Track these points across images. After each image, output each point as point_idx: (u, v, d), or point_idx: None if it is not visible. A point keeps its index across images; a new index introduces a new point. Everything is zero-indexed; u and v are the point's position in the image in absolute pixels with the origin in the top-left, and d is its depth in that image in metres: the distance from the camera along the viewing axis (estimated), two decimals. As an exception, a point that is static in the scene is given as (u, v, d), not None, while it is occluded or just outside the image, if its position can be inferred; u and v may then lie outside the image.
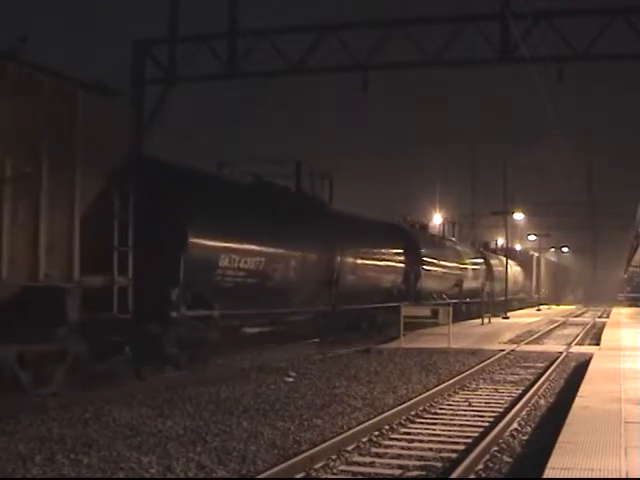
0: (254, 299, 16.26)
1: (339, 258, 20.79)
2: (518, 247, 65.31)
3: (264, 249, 16.71)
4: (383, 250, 25.13)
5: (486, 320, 32.20)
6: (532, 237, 64.61)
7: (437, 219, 50.32)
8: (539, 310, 51.02)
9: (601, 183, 77.31)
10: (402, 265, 26.30)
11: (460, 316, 31.44)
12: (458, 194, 61.60)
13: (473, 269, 37.96)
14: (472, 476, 7.64)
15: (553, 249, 78.47)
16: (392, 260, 25.74)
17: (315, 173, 21.35)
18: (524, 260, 58.37)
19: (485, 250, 46.61)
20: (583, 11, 21.53)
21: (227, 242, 15.36)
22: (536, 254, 64.67)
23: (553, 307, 59.98)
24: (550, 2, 22.62)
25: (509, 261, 47.62)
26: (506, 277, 43.17)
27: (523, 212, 52.13)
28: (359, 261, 22.49)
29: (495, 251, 50.50)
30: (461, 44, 21.71)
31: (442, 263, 31.87)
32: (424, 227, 33.76)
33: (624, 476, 6.30)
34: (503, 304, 40.98)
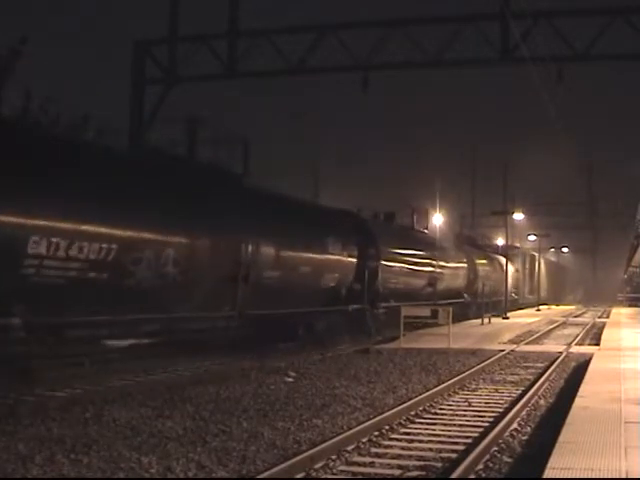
0: (108, 301, 12.26)
1: (250, 247, 16.36)
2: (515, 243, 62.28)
3: (115, 231, 12.12)
4: (327, 241, 20.30)
5: (486, 320, 32.18)
6: (532, 237, 64.53)
7: (437, 219, 50.28)
8: (539, 310, 50.99)
9: (601, 183, 77.36)
10: (354, 260, 22.07)
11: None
12: (458, 194, 61.60)
13: (452, 267, 34.03)
14: (472, 476, 7.64)
15: (553, 249, 78.42)
16: (339, 254, 21.05)
17: (224, 138, 17.46)
18: (516, 257, 53.71)
19: (471, 246, 42.74)
20: (583, 11, 21.58)
21: (43, 219, 10.89)
22: (531, 251, 61.90)
23: (553, 307, 59.96)
24: (550, 2, 22.67)
25: (498, 258, 45.32)
26: (506, 277, 43.08)
27: (523, 212, 52.03)
28: (285, 253, 18.03)
29: (483, 247, 46.78)
30: (461, 44, 21.77)
31: (410, 259, 27.69)
32: (390, 217, 29.16)
33: (624, 476, 6.30)
34: (491, 306, 36.77)
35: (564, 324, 35.02)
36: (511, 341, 23.20)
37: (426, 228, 34.22)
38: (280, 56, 22.77)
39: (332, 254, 20.65)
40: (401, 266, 26.46)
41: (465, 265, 36.58)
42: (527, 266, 57.75)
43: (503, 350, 19.61)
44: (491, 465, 8.01)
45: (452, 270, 33.90)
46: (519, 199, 49.22)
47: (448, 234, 43.21)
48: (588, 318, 42.54)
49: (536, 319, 37.33)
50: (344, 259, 21.46)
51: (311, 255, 19.49)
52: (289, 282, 18.04)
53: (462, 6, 34.03)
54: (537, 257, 63.27)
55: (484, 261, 41.01)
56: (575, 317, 44.48)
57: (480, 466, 7.93)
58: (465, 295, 35.03)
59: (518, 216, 50.32)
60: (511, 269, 47.50)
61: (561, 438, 7.70)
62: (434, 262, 30.38)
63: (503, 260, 45.51)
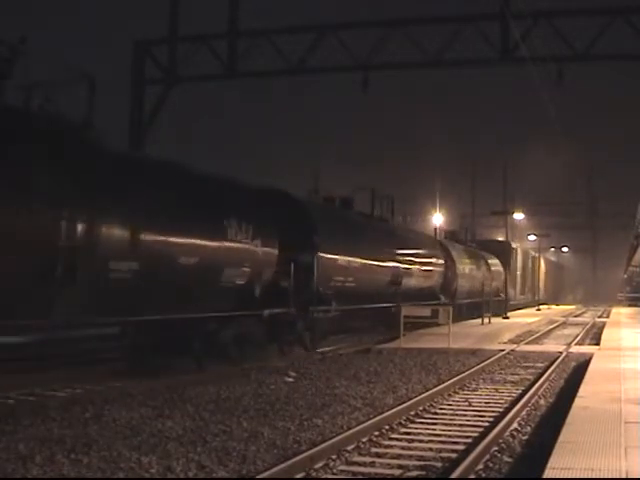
0: None
1: (81, 226, 11.28)
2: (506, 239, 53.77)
3: None
4: (228, 225, 15.20)
5: (486, 320, 32.19)
6: (532, 237, 64.59)
7: (437, 219, 50.37)
8: (539, 310, 51.01)
9: (601, 183, 77.43)
10: (273, 252, 17.05)
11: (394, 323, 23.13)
12: (458, 194, 61.69)
13: (423, 263, 29.33)
14: (472, 476, 7.64)
15: (553, 249, 78.47)
16: (248, 243, 15.89)
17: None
18: (505, 254, 47.56)
19: (452, 241, 38.34)
20: (583, 11, 21.61)
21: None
22: (523, 247, 57.57)
23: (553, 307, 59.98)
24: (550, 2, 22.71)
25: (484, 255, 41.90)
26: (506, 276, 43.04)
27: (523, 212, 52.10)
28: (149, 236, 12.82)
29: (466, 243, 41.91)
30: (461, 44, 21.80)
31: (364, 253, 22.46)
32: (347, 202, 23.95)
33: (624, 476, 6.30)
34: (472, 308, 34.85)
35: (564, 324, 35.03)
36: (511, 341, 23.20)
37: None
38: (280, 56, 22.79)
39: (237, 242, 15.39)
40: (351, 260, 21.17)
41: (441, 262, 32.17)
42: (519, 264, 52.73)
43: (503, 350, 19.61)
44: (491, 465, 8.01)
45: (423, 267, 29.32)
46: (519, 199, 49.37)
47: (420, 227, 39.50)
48: (588, 318, 42.55)
49: (536, 319, 37.33)
50: (257, 249, 16.17)
51: (197, 242, 14.16)
52: (158, 277, 13.02)
53: (462, 6, 34.03)
54: (530, 254, 59.87)
55: (466, 258, 36.77)
56: (575, 317, 44.49)
57: (480, 466, 7.93)
58: (441, 296, 30.88)
59: (518, 216, 50.44)
60: (497, 267, 43.96)
61: (561, 438, 7.70)
62: (399, 257, 25.74)
63: (493, 258, 43.08)
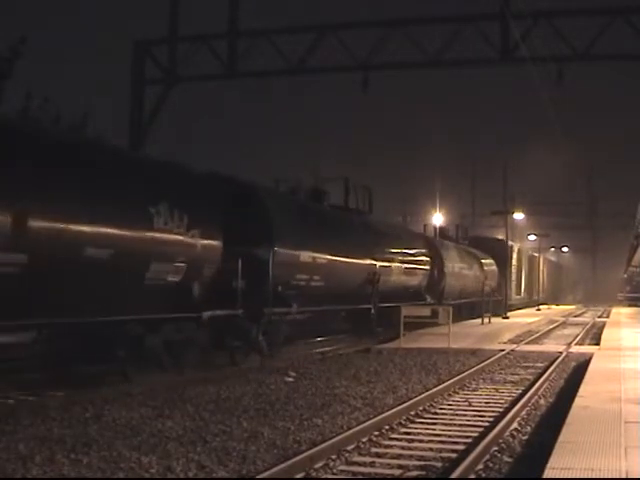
0: None
1: None
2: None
3: None
4: (155, 212, 13.07)
5: (486, 320, 32.20)
6: (532, 237, 64.60)
7: (437, 219, 50.37)
8: (539, 310, 51.02)
9: (601, 183, 77.46)
10: (215, 244, 14.90)
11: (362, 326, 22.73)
12: (458, 194, 61.73)
13: (406, 261, 26.99)
14: (472, 476, 7.64)
15: (553, 249, 78.47)
16: (181, 233, 13.73)
17: None
18: (501, 252, 44.33)
19: (442, 238, 36.64)
20: (583, 11, 21.61)
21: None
22: (519, 245, 54.97)
23: (553, 307, 59.99)
24: (550, 2, 22.72)
25: (477, 254, 39.88)
26: (505, 275, 42.95)
27: (523, 212, 52.05)
28: (40, 223, 10.74)
29: (457, 239, 40.18)
30: (461, 44, 21.80)
31: (334, 248, 20.07)
32: (317, 195, 21.93)
33: (624, 476, 6.30)
34: (464, 309, 33.45)
35: (564, 324, 35.04)
36: (511, 341, 23.21)
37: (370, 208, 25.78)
38: (280, 56, 22.79)
39: (167, 232, 13.33)
40: (317, 257, 18.97)
41: (428, 259, 29.96)
42: (515, 263, 50.01)
43: (503, 350, 19.61)
44: (491, 465, 8.00)
45: (406, 265, 26.89)
46: (519, 199, 49.34)
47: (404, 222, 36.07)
48: (588, 318, 42.55)
49: (536, 319, 37.34)
50: (194, 242, 14.11)
51: (111, 230, 12.03)
52: (55, 273, 11.01)
53: (462, 6, 34.10)
54: (527, 252, 57.76)
55: (456, 256, 34.62)
56: (575, 317, 44.50)
57: (480, 466, 7.93)
58: (427, 297, 28.87)
59: (518, 216, 50.35)
60: (492, 266, 42.07)
61: (561, 438, 7.70)
62: (376, 253, 23.54)
63: (487, 257, 41.32)
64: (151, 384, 12.82)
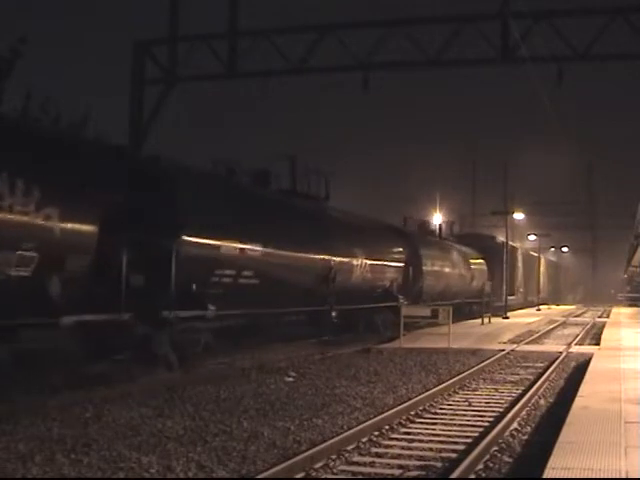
0: None
1: None
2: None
3: None
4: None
5: (486, 320, 32.20)
6: (532, 237, 64.60)
7: (437, 219, 50.37)
8: (539, 310, 51.02)
9: (601, 183, 77.49)
10: (91, 230, 12.03)
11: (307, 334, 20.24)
12: (458, 194, 61.72)
13: (373, 257, 23.70)
14: (472, 476, 7.64)
15: (553, 249, 78.49)
16: (29, 212, 10.72)
17: None
18: (491, 250, 41.69)
19: (423, 232, 33.92)
20: (583, 11, 21.58)
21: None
22: (514, 244, 51.24)
23: (553, 307, 59.99)
24: (550, 2, 22.69)
25: (463, 251, 36.90)
26: (505, 274, 42.81)
27: (523, 212, 52.05)
28: None
29: (440, 235, 37.04)
30: (461, 44, 21.77)
31: (268, 239, 16.79)
32: (262, 176, 19.27)
33: (624, 476, 6.30)
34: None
35: (564, 324, 35.04)
36: (511, 341, 23.21)
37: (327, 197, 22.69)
38: (280, 56, 22.78)
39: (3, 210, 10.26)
40: (248, 249, 15.92)
41: (402, 256, 27.07)
42: (507, 261, 44.46)
43: (503, 350, 19.62)
44: (491, 465, 8.01)
45: (372, 261, 23.50)
46: (519, 199, 49.36)
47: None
48: (588, 318, 42.56)
49: (536, 319, 37.34)
50: (50, 225, 10.97)
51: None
52: None
53: (462, 6, 34.09)
54: (520, 250, 53.21)
55: (437, 253, 31.54)
56: (575, 317, 44.50)
57: (480, 466, 7.93)
58: (399, 297, 25.35)
59: (518, 216, 50.31)
60: (480, 265, 39.23)
61: (561, 438, 7.70)
62: (333, 247, 20.39)
63: (476, 255, 38.50)
64: (151, 384, 12.82)
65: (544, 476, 6.28)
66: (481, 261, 40.18)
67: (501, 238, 43.90)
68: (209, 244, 14.70)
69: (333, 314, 20.18)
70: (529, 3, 19.91)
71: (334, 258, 20.23)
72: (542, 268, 66.05)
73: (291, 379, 14.16)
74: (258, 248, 16.32)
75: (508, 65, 22.59)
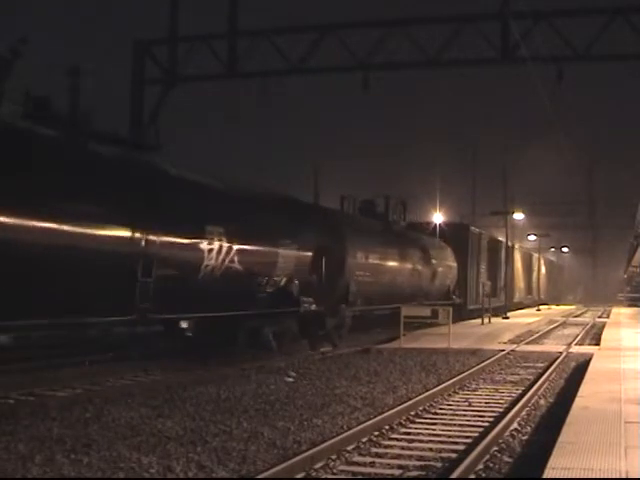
0: None
1: None
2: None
3: None
4: None
5: (486, 320, 32.20)
6: (532, 237, 64.59)
7: (437, 218, 50.30)
8: (539, 310, 51.03)
9: (601, 183, 77.40)
10: None
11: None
12: (458, 194, 61.59)
13: (244, 240, 15.66)
14: (472, 476, 7.64)
15: (553, 249, 78.49)
16: None
17: None
18: (462, 242, 34.60)
19: (364, 214, 26.62)
20: (583, 11, 21.59)
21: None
22: (497, 237, 45.03)
23: (553, 307, 60.00)
24: (550, 2, 22.69)
25: (422, 242, 29.80)
26: (505, 273, 42.83)
27: (523, 212, 52.03)
28: None
29: (387, 218, 27.94)
30: (461, 44, 21.78)
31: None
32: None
33: (624, 476, 6.30)
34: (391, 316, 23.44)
35: (564, 324, 35.03)
36: (511, 341, 23.20)
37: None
38: (280, 56, 22.78)
39: None
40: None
41: (311, 243, 19.60)
42: (485, 256, 38.86)
43: (503, 350, 19.61)
44: (491, 465, 8.01)
45: (241, 245, 15.55)
46: (519, 199, 49.33)
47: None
48: (588, 318, 42.56)
49: (536, 319, 37.33)
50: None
51: None
52: None
53: (462, 6, 34.06)
54: (504, 244, 43.77)
55: (378, 243, 24.84)
56: (575, 317, 44.50)
57: (480, 466, 7.93)
58: (303, 300, 18.51)
59: (518, 216, 50.31)
60: (446, 260, 32.63)
61: (561, 438, 7.70)
62: (147, 218, 12.74)
63: (441, 247, 32.13)
64: (151, 384, 12.83)
65: (544, 476, 6.28)
66: (448, 254, 32.77)
67: (477, 229, 38.61)
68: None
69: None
70: (529, 3, 19.92)
71: (148, 236, 12.49)
72: (542, 268, 66.03)
73: (291, 379, 14.16)
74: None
75: (508, 65, 22.61)
